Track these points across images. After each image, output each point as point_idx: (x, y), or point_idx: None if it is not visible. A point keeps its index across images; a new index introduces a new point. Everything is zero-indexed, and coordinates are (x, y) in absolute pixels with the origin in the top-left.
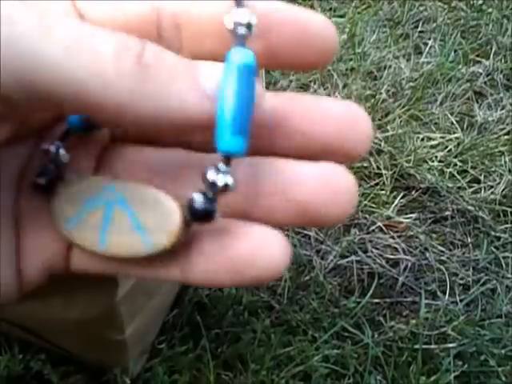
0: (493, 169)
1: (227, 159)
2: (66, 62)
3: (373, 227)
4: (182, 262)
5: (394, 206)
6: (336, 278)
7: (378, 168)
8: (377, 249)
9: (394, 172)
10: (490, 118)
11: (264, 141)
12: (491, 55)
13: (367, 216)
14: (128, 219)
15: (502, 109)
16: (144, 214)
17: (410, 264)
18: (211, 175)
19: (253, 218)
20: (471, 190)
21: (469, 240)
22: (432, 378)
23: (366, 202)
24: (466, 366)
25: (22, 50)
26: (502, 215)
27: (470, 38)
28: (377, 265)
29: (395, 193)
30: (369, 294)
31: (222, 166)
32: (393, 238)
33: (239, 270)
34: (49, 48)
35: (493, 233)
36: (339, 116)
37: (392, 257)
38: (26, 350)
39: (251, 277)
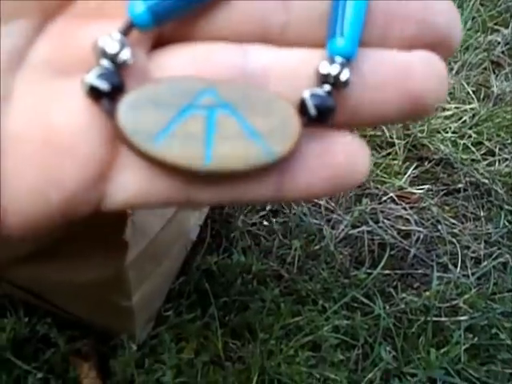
0: (508, 141)
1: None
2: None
3: (385, 198)
4: (281, 176)
5: (406, 176)
6: (347, 248)
7: (391, 137)
8: (388, 219)
9: (407, 142)
10: (507, 89)
11: (377, 30)
12: (510, 24)
13: (379, 186)
14: (237, 126)
15: None
16: (256, 118)
17: (421, 236)
18: (325, 68)
19: (359, 115)
20: (485, 162)
21: (481, 213)
22: (442, 351)
23: (378, 171)
24: (476, 338)
25: None
26: None
27: (488, 5)
28: (388, 236)
29: (408, 163)
30: (380, 266)
31: (337, 58)
32: (405, 209)
33: (337, 180)
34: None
35: (506, 206)
36: (444, 9)
37: (404, 228)
38: (32, 314)
39: (346, 186)
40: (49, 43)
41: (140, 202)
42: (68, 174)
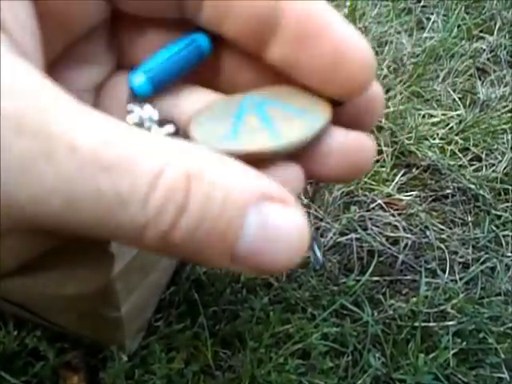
0: (495, 147)
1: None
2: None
3: (373, 205)
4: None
5: (394, 183)
6: (335, 255)
7: (379, 145)
8: (377, 226)
9: (395, 149)
10: (492, 95)
11: None
12: (495, 31)
13: (367, 193)
14: (284, 111)
15: (505, 86)
16: (292, 101)
17: (410, 242)
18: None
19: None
20: (472, 168)
21: (469, 218)
22: (431, 356)
23: (366, 179)
24: (464, 343)
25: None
26: (502, 194)
27: (473, 12)
28: (377, 243)
29: (395, 170)
30: (368, 272)
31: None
32: (393, 215)
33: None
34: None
35: (493, 211)
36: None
37: (392, 235)
38: (22, 327)
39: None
40: None
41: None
42: None
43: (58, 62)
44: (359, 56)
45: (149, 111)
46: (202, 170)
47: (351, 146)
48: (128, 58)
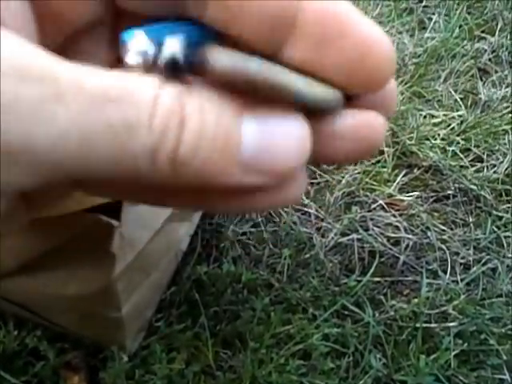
0: (496, 147)
1: None
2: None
3: (374, 205)
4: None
5: (395, 184)
6: (336, 256)
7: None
8: (378, 227)
9: (396, 150)
10: (494, 96)
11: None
12: (496, 31)
13: (368, 194)
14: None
15: (507, 87)
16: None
17: (411, 243)
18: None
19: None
20: (474, 168)
21: (470, 219)
22: (432, 357)
23: (367, 179)
24: (465, 344)
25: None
26: (504, 194)
27: (475, 13)
28: (378, 243)
29: (397, 171)
30: (369, 273)
31: None
32: (394, 216)
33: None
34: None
35: (495, 212)
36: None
37: (393, 235)
38: (22, 326)
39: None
40: None
41: None
42: None
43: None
44: (384, 49)
45: (143, 41)
46: (191, 88)
47: (360, 122)
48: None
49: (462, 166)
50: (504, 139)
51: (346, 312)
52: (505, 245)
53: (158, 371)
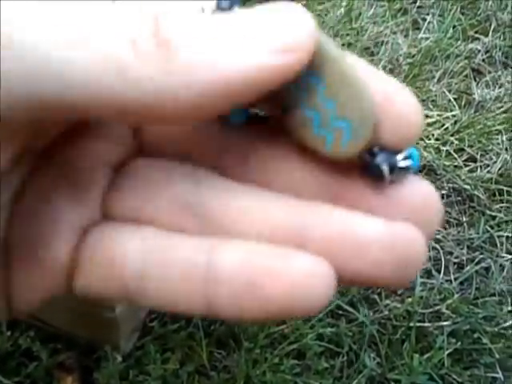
0: (490, 147)
1: None
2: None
3: None
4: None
5: None
6: None
7: None
8: None
9: None
10: (487, 96)
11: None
12: (490, 32)
13: None
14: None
15: (500, 87)
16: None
17: None
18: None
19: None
20: (467, 168)
21: (464, 219)
22: (425, 356)
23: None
24: (459, 343)
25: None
26: (497, 194)
27: (469, 13)
28: None
29: None
30: None
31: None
32: None
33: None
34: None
35: (488, 212)
36: None
37: None
38: (15, 327)
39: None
40: None
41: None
42: None
43: (78, 134)
44: (409, 104)
45: None
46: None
47: (395, 236)
48: (149, 145)
49: (455, 166)
50: (497, 139)
51: (341, 311)
52: (498, 244)
53: (152, 371)
